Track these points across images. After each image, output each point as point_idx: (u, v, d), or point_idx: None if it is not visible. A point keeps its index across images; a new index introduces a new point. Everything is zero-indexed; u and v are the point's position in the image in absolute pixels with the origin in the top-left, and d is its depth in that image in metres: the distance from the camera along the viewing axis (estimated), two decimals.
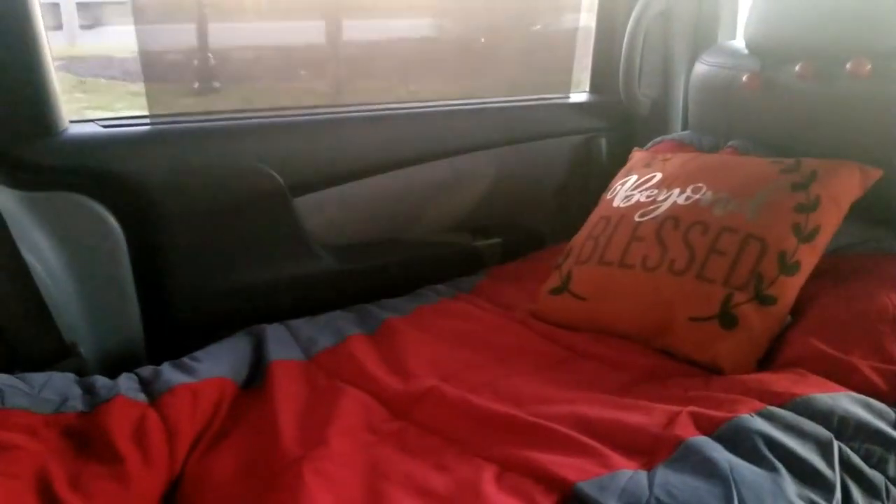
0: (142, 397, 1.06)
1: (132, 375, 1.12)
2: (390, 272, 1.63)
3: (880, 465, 0.94)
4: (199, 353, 1.20)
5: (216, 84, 1.72)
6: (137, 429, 0.99)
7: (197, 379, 1.10)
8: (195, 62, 1.68)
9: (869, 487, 0.91)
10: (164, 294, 1.40)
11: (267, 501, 0.88)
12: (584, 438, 0.95)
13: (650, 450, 0.92)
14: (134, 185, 1.32)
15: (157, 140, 1.38)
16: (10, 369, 1.06)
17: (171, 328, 1.42)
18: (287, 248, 1.51)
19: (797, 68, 1.49)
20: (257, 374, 1.18)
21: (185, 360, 1.17)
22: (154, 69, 1.46)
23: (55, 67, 1.29)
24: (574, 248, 1.45)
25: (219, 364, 1.16)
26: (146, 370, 1.14)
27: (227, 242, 1.44)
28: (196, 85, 1.70)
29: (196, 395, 1.07)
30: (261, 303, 1.48)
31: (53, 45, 1.29)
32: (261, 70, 1.76)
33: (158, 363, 1.17)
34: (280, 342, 1.25)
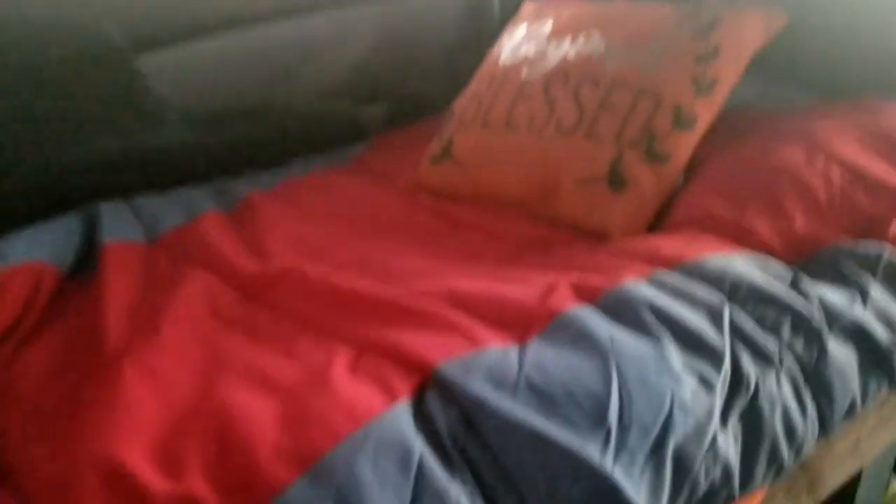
0: None
1: None
2: (260, 144, 1.47)
3: (774, 329, 0.86)
4: (11, 237, 1.03)
5: None
6: None
7: (6, 264, 0.95)
8: None
9: (760, 354, 0.83)
10: None
11: (79, 402, 0.77)
12: (454, 315, 0.86)
13: (524, 323, 0.83)
14: None
15: None
16: None
17: None
18: (132, 115, 1.32)
19: None
20: (87, 260, 1.04)
21: None
22: None
23: None
24: (457, 111, 1.33)
25: (36, 248, 1.01)
26: None
27: (58, 111, 1.25)
28: None
29: (2, 285, 0.92)
30: (103, 179, 1.30)
31: None
32: None
33: None
34: (118, 222, 1.11)
